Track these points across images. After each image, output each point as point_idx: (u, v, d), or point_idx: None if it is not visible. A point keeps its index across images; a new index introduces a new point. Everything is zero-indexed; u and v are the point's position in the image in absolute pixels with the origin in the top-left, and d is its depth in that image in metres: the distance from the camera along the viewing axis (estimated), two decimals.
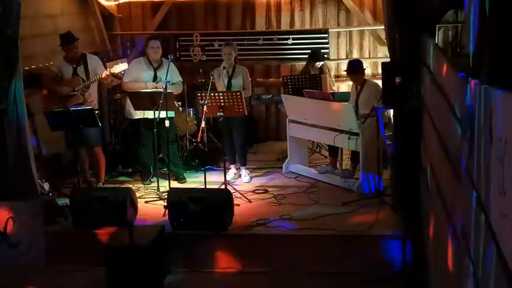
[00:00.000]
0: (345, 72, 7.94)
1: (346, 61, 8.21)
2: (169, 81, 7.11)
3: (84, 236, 6.11)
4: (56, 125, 6.81)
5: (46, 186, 6.90)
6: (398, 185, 6.23)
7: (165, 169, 7.43)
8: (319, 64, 8.79)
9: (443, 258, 3.53)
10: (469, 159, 2.66)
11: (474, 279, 2.44)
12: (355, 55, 9.68)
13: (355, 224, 6.09)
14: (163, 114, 7.01)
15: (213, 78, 7.31)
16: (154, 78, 7.37)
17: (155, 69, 7.42)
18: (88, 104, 7.09)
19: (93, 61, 7.29)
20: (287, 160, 8.02)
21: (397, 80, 5.68)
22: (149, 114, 7.20)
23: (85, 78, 7.12)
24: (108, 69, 7.15)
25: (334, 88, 9.08)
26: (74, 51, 7.16)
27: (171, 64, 7.26)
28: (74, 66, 7.17)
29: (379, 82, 6.88)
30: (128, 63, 7.76)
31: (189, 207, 6.02)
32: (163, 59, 7.48)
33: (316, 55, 8.86)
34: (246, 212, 6.55)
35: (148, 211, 6.67)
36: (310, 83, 8.39)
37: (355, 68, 7.46)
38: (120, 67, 7.36)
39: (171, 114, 7.31)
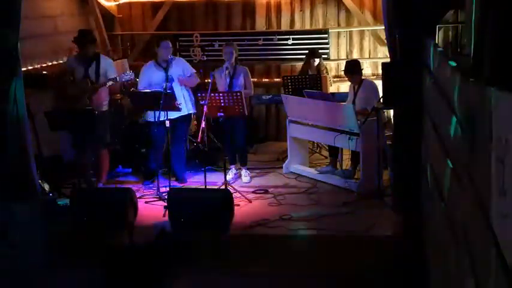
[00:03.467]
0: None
1: None
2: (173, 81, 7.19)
3: (84, 236, 6.11)
4: (56, 125, 6.81)
5: (46, 186, 6.90)
6: (398, 185, 6.24)
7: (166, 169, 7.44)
8: (317, 61, 8.78)
9: (444, 258, 3.53)
10: (469, 159, 2.66)
11: (474, 279, 2.44)
12: (355, 55, 9.68)
13: (355, 224, 6.09)
14: (171, 114, 7.01)
15: (214, 78, 7.31)
16: (166, 78, 7.33)
17: (164, 69, 7.42)
18: (96, 106, 7.06)
19: (106, 63, 7.26)
20: (287, 160, 8.02)
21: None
22: (161, 116, 7.12)
23: (94, 80, 7.10)
24: (117, 78, 7.10)
25: (332, 88, 9.08)
26: (85, 52, 7.13)
27: (181, 59, 7.36)
28: (86, 66, 7.15)
29: (378, 82, 6.89)
30: (129, 64, 7.78)
31: (189, 208, 6.02)
32: (170, 57, 7.49)
33: (314, 52, 8.90)
34: (246, 212, 6.56)
35: (149, 211, 6.67)
36: (310, 83, 8.39)
37: (352, 68, 7.48)
38: (127, 76, 7.31)
39: (179, 114, 7.32)
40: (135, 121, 8.58)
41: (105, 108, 7.27)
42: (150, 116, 7.37)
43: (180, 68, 7.49)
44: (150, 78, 7.47)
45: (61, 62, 8.35)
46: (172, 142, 7.41)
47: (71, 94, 7.08)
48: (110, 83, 7.05)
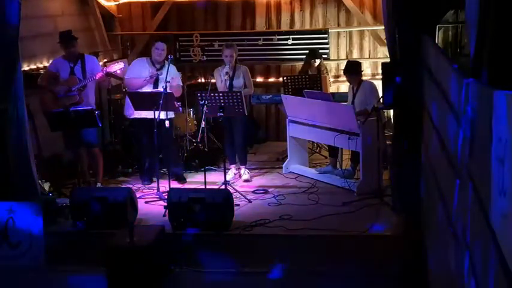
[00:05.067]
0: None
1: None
2: (169, 81, 7.10)
3: (84, 236, 6.11)
4: (56, 125, 6.81)
5: (46, 186, 6.90)
6: (398, 185, 6.23)
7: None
8: (317, 62, 8.79)
9: (444, 258, 3.53)
10: (469, 159, 2.66)
11: (474, 279, 2.44)
12: (355, 55, 9.68)
13: (355, 224, 6.09)
14: (162, 114, 7.00)
15: (214, 79, 7.30)
16: (156, 79, 7.34)
17: (157, 70, 7.41)
18: (85, 104, 7.07)
19: (90, 61, 7.29)
20: (287, 160, 8.02)
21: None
22: (148, 114, 7.16)
23: (81, 78, 7.12)
24: (104, 69, 7.12)
25: (332, 88, 9.09)
26: (72, 51, 7.15)
27: (172, 67, 7.29)
28: (71, 65, 7.17)
29: (378, 82, 6.89)
30: (128, 64, 7.76)
31: (189, 208, 6.02)
32: (166, 61, 7.44)
33: (315, 52, 8.90)
34: (246, 212, 6.55)
35: (149, 211, 6.67)
36: (310, 83, 8.39)
37: (351, 69, 7.48)
38: (116, 66, 7.32)
39: (170, 115, 7.30)
40: (134, 120, 8.56)
41: (93, 106, 7.27)
42: (136, 113, 7.37)
43: (165, 75, 7.18)
44: (139, 72, 7.41)
45: None
46: (161, 144, 7.41)
47: (57, 92, 7.06)
48: (100, 74, 7.05)
